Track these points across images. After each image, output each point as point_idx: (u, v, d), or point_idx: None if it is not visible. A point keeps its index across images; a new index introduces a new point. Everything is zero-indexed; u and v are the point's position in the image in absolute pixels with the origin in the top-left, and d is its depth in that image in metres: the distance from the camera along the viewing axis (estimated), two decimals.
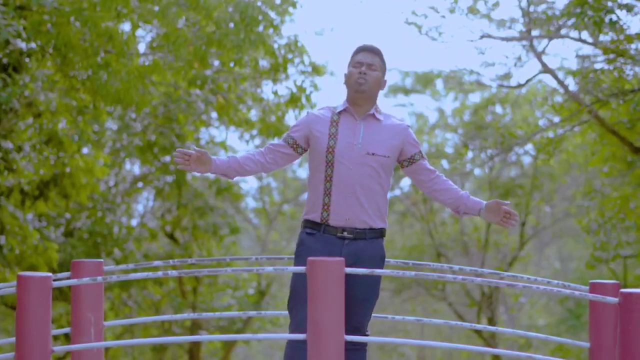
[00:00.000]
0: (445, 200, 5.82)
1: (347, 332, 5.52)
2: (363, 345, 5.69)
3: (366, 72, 5.71)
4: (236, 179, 6.31)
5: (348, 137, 5.67)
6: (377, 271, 5.18)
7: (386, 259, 5.97)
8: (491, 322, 25.42)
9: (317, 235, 5.65)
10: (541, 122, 19.72)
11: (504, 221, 5.73)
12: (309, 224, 5.70)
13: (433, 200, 28.13)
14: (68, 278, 6.48)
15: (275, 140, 5.85)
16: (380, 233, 5.71)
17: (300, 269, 5.10)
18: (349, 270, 5.08)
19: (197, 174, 5.82)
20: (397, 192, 27.52)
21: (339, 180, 5.63)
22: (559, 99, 17.75)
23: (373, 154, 5.66)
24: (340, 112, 5.75)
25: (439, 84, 26.77)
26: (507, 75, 17.27)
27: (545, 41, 16.17)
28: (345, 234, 5.63)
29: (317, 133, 5.70)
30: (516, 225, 5.75)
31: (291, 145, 5.77)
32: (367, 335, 5.65)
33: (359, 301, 5.56)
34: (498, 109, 25.24)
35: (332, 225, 5.63)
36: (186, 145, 19.49)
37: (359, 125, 5.71)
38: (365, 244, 5.65)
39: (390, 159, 5.72)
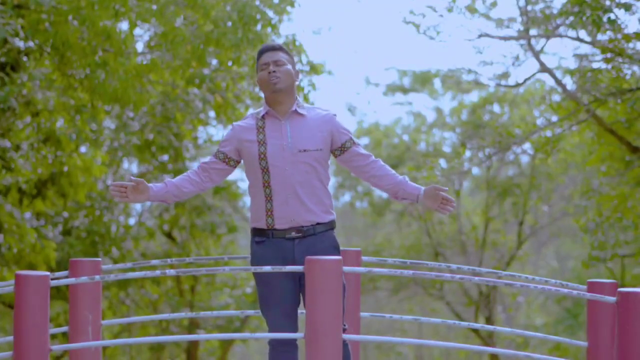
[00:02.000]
0: (384, 186, 5.79)
1: None
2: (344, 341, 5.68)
3: (275, 70, 5.68)
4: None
5: (276, 139, 5.65)
6: (375, 270, 5.19)
7: (383, 258, 5.97)
8: (489, 321, 25.42)
9: (266, 243, 5.64)
10: (539, 122, 19.72)
11: (441, 207, 5.69)
12: (256, 232, 5.69)
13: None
14: (66, 277, 6.48)
15: (207, 159, 5.83)
16: (329, 225, 5.69)
17: (299, 268, 5.10)
18: (347, 269, 5.08)
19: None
20: None
21: (277, 184, 5.61)
22: (556, 98, 17.75)
23: (305, 151, 5.64)
24: (263, 117, 5.72)
25: (437, 83, 26.78)
26: (505, 75, 17.27)
27: (543, 40, 16.18)
28: (293, 234, 5.61)
29: (246, 143, 5.68)
30: (452, 211, 5.71)
31: (222, 160, 5.76)
32: (344, 329, 5.64)
33: None
34: (496, 108, 25.25)
35: (279, 229, 5.62)
36: (184, 145, 19.51)
37: (284, 125, 5.68)
38: (315, 239, 5.64)
39: (324, 151, 5.69)
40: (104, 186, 19.73)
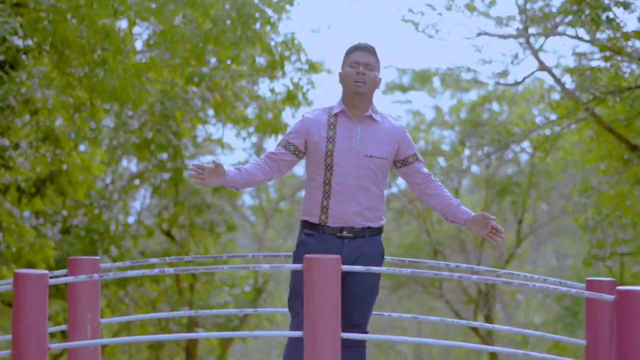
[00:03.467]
0: (435, 205, 5.83)
1: (349, 330, 5.54)
2: (363, 342, 5.71)
3: (364, 73, 5.66)
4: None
5: (346, 139, 5.65)
6: (373, 268, 5.19)
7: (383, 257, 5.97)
8: (488, 319, 25.44)
9: (316, 236, 5.66)
10: (538, 120, 19.70)
11: (489, 236, 5.78)
12: (307, 225, 5.70)
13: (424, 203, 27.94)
14: (65, 275, 6.48)
15: (275, 149, 5.76)
16: (378, 230, 5.72)
17: (297, 266, 5.10)
18: (345, 267, 5.08)
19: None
20: (394, 189, 27.53)
21: (338, 184, 5.62)
22: (555, 96, 17.74)
23: (371, 157, 5.65)
24: (336, 114, 5.72)
25: (436, 81, 26.76)
26: (504, 73, 17.27)
27: (542, 39, 16.17)
28: (344, 233, 5.64)
29: (315, 137, 5.67)
30: (500, 242, 5.77)
31: (293, 152, 5.73)
32: (367, 333, 5.67)
33: (360, 299, 5.59)
34: (495, 106, 25.24)
35: (331, 226, 5.64)
36: (183, 143, 19.49)
37: (356, 127, 5.69)
38: (365, 242, 5.67)
39: (388, 161, 5.72)
40: (102, 185, 19.74)
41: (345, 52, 5.79)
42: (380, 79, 5.77)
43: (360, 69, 5.66)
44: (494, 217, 5.75)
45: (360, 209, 5.64)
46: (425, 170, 5.83)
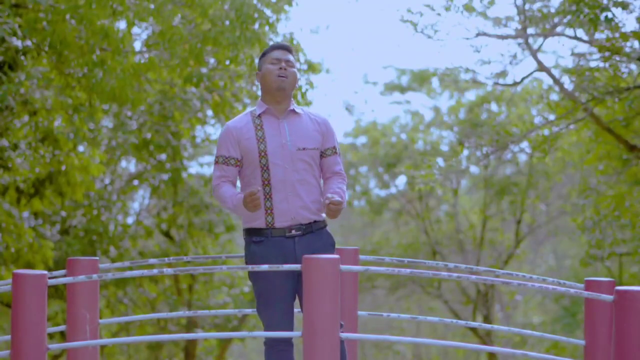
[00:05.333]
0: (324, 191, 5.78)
1: None
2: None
3: (286, 68, 5.72)
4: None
5: (275, 136, 5.67)
6: (372, 269, 5.19)
7: (381, 257, 5.97)
8: (487, 320, 25.45)
9: (265, 242, 5.63)
10: (537, 120, 19.71)
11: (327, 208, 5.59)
12: (254, 232, 5.66)
13: (427, 199, 28.34)
14: (64, 276, 6.48)
15: (220, 172, 5.71)
16: (324, 223, 5.74)
17: (297, 266, 5.11)
18: (344, 267, 5.09)
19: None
20: (392, 190, 27.54)
21: (277, 182, 5.62)
22: (554, 96, 17.76)
23: (304, 149, 5.68)
24: (260, 115, 5.73)
25: (435, 81, 26.76)
26: (503, 73, 17.25)
27: (540, 39, 16.17)
28: (293, 232, 5.63)
29: (245, 141, 5.67)
30: (337, 208, 5.58)
31: (235, 164, 5.71)
32: (341, 326, 5.67)
33: None
34: (493, 107, 25.25)
35: (279, 227, 5.62)
36: (182, 144, 19.50)
37: (282, 123, 5.71)
38: (315, 236, 5.67)
39: (319, 150, 5.75)
40: (101, 185, 19.75)
41: (263, 52, 5.86)
42: (298, 79, 5.82)
43: (282, 64, 5.72)
44: (334, 199, 5.55)
45: (305, 203, 5.64)
46: (339, 167, 5.80)
